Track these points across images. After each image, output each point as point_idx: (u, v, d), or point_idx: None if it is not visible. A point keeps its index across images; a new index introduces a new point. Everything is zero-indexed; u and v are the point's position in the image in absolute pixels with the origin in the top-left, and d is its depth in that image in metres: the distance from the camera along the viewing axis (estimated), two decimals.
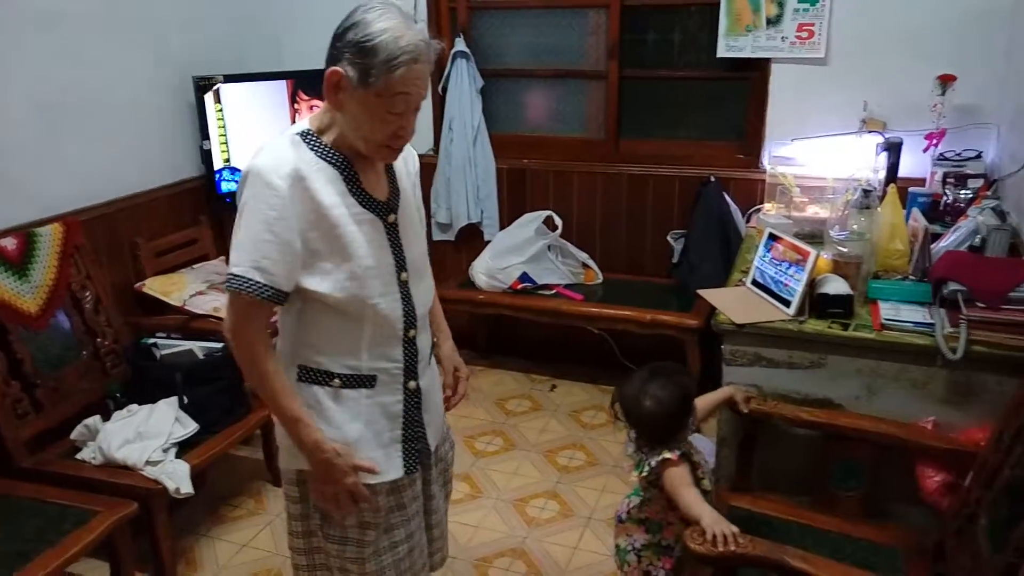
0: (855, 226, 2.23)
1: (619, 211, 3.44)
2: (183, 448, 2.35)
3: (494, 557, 2.43)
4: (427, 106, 3.56)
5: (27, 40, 2.57)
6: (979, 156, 2.73)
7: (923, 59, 2.81)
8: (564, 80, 3.56)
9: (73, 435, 2.39)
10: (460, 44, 3.43)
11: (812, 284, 2.10)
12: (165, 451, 2.30)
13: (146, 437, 2.31)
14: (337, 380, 1.49)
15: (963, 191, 2.55)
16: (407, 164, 1.59)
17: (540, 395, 3.43)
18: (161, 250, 3.06)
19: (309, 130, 1.42)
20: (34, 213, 2.58)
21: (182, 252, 3.16)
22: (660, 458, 1.70)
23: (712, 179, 3.18)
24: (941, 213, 2.55)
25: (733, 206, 3.16)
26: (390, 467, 1.56)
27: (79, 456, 2.34)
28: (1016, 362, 1.80)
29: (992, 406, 1.85)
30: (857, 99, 2.92)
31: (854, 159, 2.87)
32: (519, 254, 3.25)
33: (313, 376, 1.49)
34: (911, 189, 2.64)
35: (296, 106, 3.39)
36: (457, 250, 3.64)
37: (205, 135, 3.15)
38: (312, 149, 1.40)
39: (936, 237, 2.31)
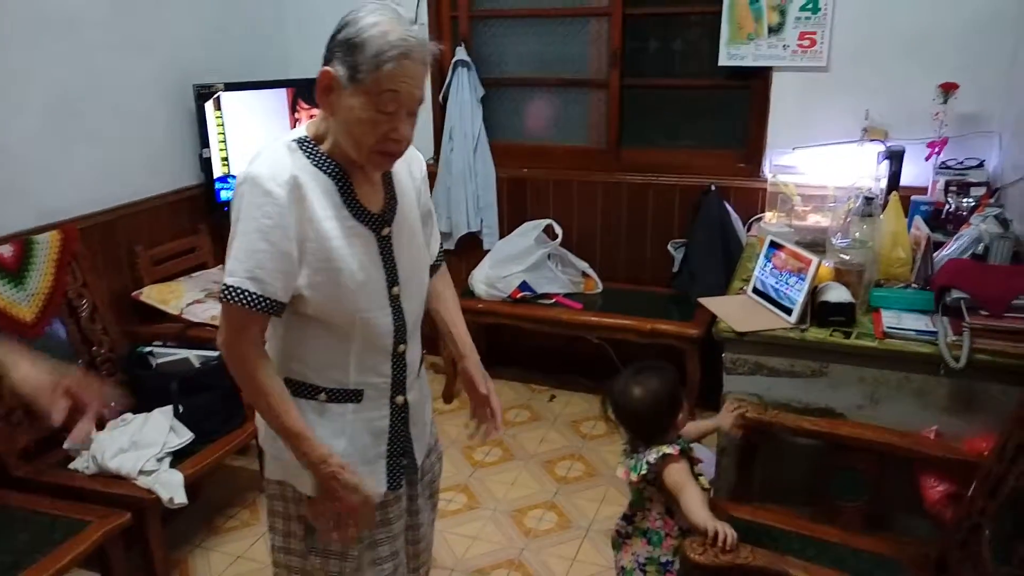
0: (857, 234, 2.21)
1: (619, 220, 3.43)
2: (178, 457, 2.32)
3: (491, 569, 2.39)
4: (427, 115, 3.57)
5: (33, 46, 2.57)
6: (981, 164, 2.71)
7: (925, 67, 2.80)
8: (565, 89, 3.56)
9: (66, 444, 2.36)
10: (461, 53, 3.42)
11: (814, 292, 2.08)
12: (159, 460, 2.28)
13: (140, 446, 2.29)
14: (323, 394, 1.44)
15: (965, 199, 2.53)
16: (411, 170, 1.54)
17: (539, 405, 3.41)
18: (159, 258, 3.05)
19: (306, 137, 1.38)
20: (32, 220, 2.57)
21: (180, 260, 3.15)
22: (660, 454, 1.68)
23: (713, 188, 3.17)
24: (943, 221, 2.53)
25: (734, 215, 3.14)
26: (373, 484, 1.50)
27: (72, 466, 2.31)
28: (1020, 370, 1.78)
29: (996, 415, 1.83)
30: (859, 107, 2.91)
31: (856, 168, 2.85)
32: (519, 263, 3.23)
33: (298, 389, 1.44)
34: (913, 197, 2.63)
35: (296, 115, 3.39)
36: (457, 259, 3.62)
37: (205, 143, 3.14)
38: (308, 157, 1.36)
39: (939, 245, 2.29)
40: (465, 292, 3.33)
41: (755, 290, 2.25)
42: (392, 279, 1.44)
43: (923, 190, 2.78)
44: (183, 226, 3.20)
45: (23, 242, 2.46)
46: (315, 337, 1.41)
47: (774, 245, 2.26)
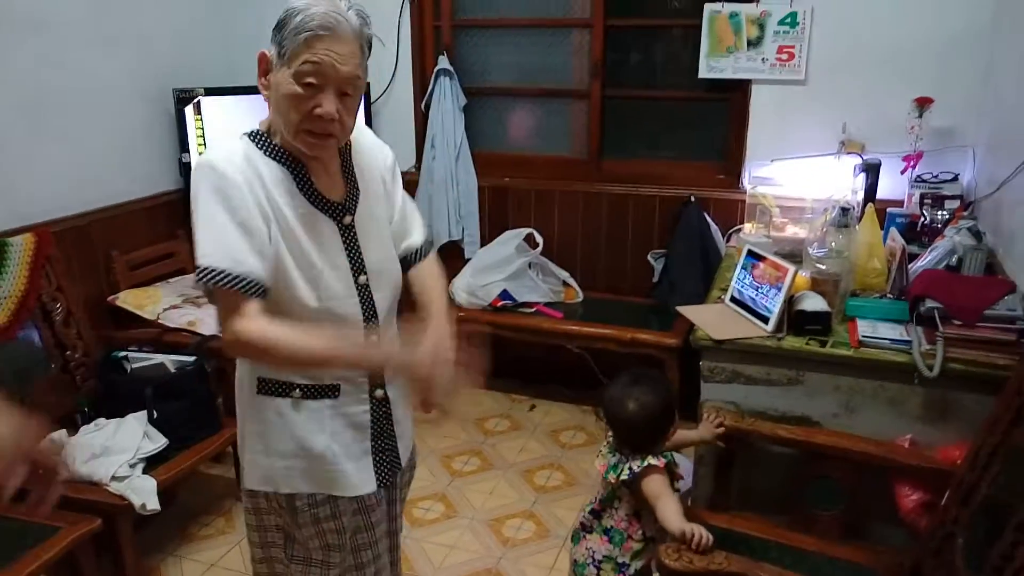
0: (833, 244, 2.23)
1: (600, 230, 3.44)
2: (151, 463, 2.29)
3: None
4: (409, 123, 3.57)
5: (10, 46, 2.55)
6: (956, 178, 2.75)
7: (901, 82, 2.84)
8: (547, 99, 3.57)
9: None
10: (443, 62, 3.43)
11: (790, 301, 2.10)
12: (132, 466, 2.24)
13: (113, 452, 2.25)
14: (298, 391, 1.42)
15: (940, 212, 2.56)
16: (377, 160, 1.52)
17: (519, 415, 3.40)
18: (136, 263, 3.02)
19: (257, 130, 1.38)
20: (5, 222, 2.54)
21: (158, 265, 3.12)
22: (645, 464, 1.68)
23: (693, 199, 3.19)
24: (919, 233, 2.56)
25: (713, 226, 3.16)
26: (362, 481, 1.49)
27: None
28: (992, 379, 1.79)
29: (969, 424, 1.84)
30: (836, 120, 2.94)
31: (833, 180, 2.88)
32: (499, 271, 3.23)
33: (272, 388, 1.42)
34: (889, 210, 2.66)
35: None
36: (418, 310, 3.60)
37: (184, 148, 3.12)
38: (259, 148, 1.35)
39: (914, 257, 2.32)
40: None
41: (733, 299, 2.26)
42: (358, 268, 1.42)
43: (899, 203, 2.82)
44: (161, 231, 3.17)
45: None
46: None
47: (752, 255, 2.28)
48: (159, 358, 2.56)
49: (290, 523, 1.50)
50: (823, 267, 2.18)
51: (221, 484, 2.82)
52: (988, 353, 1.85)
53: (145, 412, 2.38)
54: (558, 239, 3.48)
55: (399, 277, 1.54)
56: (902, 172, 2.81)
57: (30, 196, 2.64)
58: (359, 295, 1.42)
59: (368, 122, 3.36)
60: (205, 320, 2.80)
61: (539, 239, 3.36)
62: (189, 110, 3.08)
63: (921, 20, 2.83)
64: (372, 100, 3.49)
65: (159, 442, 2.34)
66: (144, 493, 2.17)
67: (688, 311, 2.25)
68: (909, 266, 2.23)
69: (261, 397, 1.43)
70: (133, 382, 2.49)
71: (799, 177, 2.97)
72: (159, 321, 2.81)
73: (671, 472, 1.76)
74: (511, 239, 3.33)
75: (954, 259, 2.21)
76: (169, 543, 2.53)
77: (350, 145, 1.47)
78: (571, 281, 3.39)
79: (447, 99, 3.45)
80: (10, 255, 2.46)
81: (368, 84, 2.99)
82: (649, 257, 3.33)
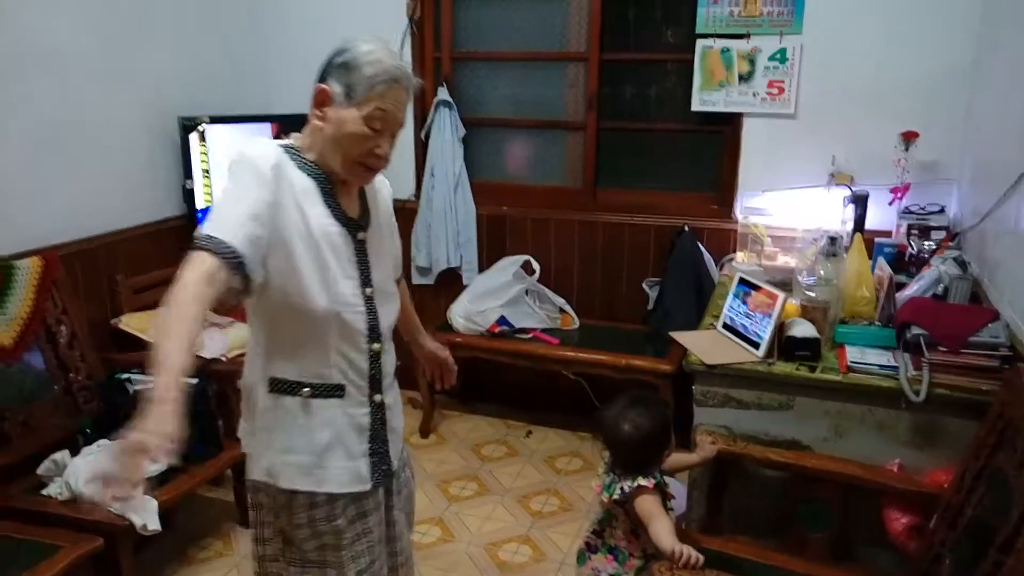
0: (822, 272, 2.29)
1: (596, 258, 3.50)
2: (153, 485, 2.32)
3: None
4: (409, 153, 3.65)
5: (18, 76, 2.61)
6: (942, 210, 2.83)
7: (888, 116, 2.93)
8: (544, 130, 3.66)
9: (40, 470, 2.35)
10: (443, 93, 3.52)
11: (780, 327, 2.15)
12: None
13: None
14: (307, 389, 1.50)
15: (927, 242, 2.64)
16: (381, 193, 1.66)
17: (516, 441, 3.43)
18: (140, 287, 3.06)
19: (292, 145, 1.49)
20: (12, 246, 2.58)
21: (161, 290, 3.11)
22: (636, 484, 1.72)
23: (686, 228, 3.26)
24: (906, 263, 2.63)
25: (707, 255, 3.23)
26: (357, 480, 1.57)
27: (45, 491, 2.30)
28: (976, 404, 1.84)
29: (955, 448, 1.89)
30: (826, 153, 3.02)
31: (823, 211, 2.96)
32: (497, 298, 3.28)
33: (283, 387, 1.51)
34: (877, 240, 2.73)
35: None
36: (436, 293, 3.67)
37: (188, 175, 3.19)
38: (292, 159, 1.47)
39: (902, 286, 2.38)
40: (443, 326, 3.37)
41: (725, 325, 2.32)
42: (366, 280, 1.53)
43: (888, 233, 2.89)
44: (164, 256, 3.21)
45: (3, 267, 2.47)
46: (296, 335, 1.47)
47: (744, 283, 2.34)
48: None
49: (288, 524, 1.56)
50: (812, 295, 2.24)
51: (219, 507, 2.84)
52: (972, 379, 1.91)
53: None
54: (555, 267, 3.54)
55: (398, 298, 1.66)
56: (890, 203, 2.89)
57: (38, 221, 2.69)
58: (366, 306, 1.52)
59: None
60: (207, 344, 2.84)
61: (536, 266, 3.42)
62: (194, 138, 3.15)
63: (907, 58, 2.92)
64: None
65: (161, 464, 2.36)
66: (145, 513, 2.19)
67: (681, 337, 2.30)
68: (896, 294, 2.29)
69: (273, 395, 1.52)
70: (136, 403, 2.50)
71: (790, 207, 3.05)
72: None
73: (662, 492, 1.79)
74: (508, 266, 3.39)
75: (940, 288, 2.27)
76: (168, 566, 2.55)
77: None
78: (567, 308, 3.44)
79: (446, 129, 3.53)
80: (17, 278, 2.51)
81: None
82: (644, 285, 3.39)
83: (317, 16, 3.68)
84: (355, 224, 1.53)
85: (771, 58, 3.09)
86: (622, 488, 1.76)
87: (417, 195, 3.65)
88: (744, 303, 2.28)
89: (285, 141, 1.50)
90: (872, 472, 1.93)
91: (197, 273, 1.29)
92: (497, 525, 2.79)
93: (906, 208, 2.85)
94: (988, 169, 2.51)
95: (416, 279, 3.67)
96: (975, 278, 2.34)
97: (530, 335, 3.27)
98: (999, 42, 2.55)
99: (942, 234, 2.68)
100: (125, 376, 2.63)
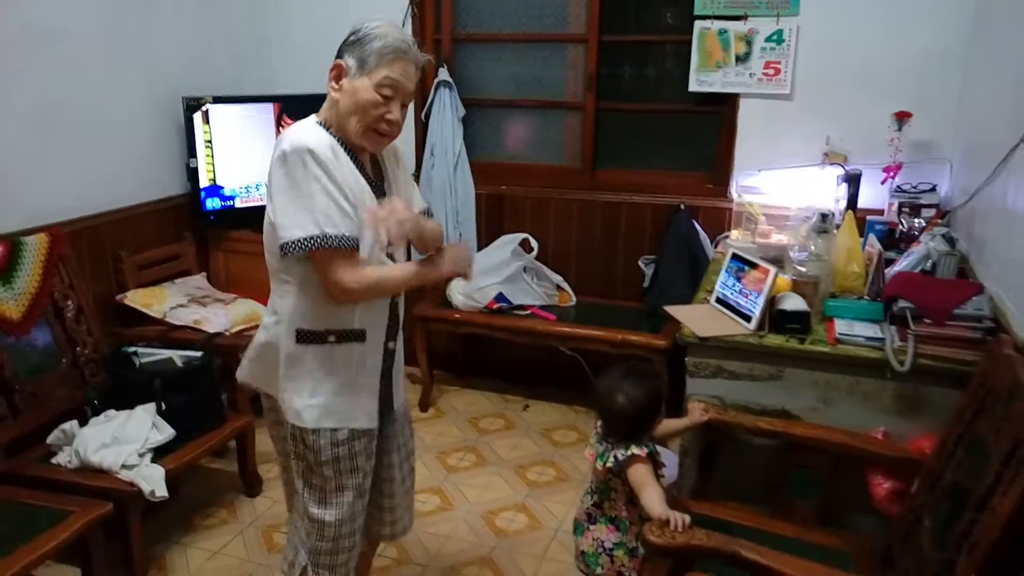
0: (813, 248, 2.34)
1: (593, 236, 3.56)
2: (159, 453, 2.38)
3: (463, 566, 2.47)
4: (410, 132, 3.69)
5: (31, 57, 2.66)
6: (934, 189, 2.88)
7: (882, 97, 2.97)
8: (543, 110, 3.70)
9: (50, 439, 2.41)
10: (444, 74, 3.55)
11: (772, 301, 2.21)
12: (141, 456, 2.34)
13: (123, 441, 2.35)
14: (332, 336, 1.67)
15: (917, 220, 2.69)
16: (394, 153, 1.82)
17: (513, 414, 3.50)
18: (144, 264, 3.12)
19: (322, 122, 1.65)
20: (21, 222, 2.64)
21: (165, 267, 3.22)
22: (629, 453, 1.78)
23: (683, 207, 3.31)
24: (897, 241, 2.68)
25: (702, 233, 3.28)
26: (372, 417, 1.76)
27: (55, 460, 2.37)
28: (959, 374, 1.90)
29: (938, 417, 1.95)
30: (820, 133, 3.07)
31: (817, 190, 3.00)
32: (495, 275, 3.34)
33: (310, 337, 1.67)
34: (869, 218, 2.78)
35: (281, 129, 3.49)
36: None
37: (192, 154, 3.23)
38: (330, 135, 1.63)
39: (891, 262, 2.43)
40: (443, 303, 3.43)
41: (718, 300, 2.37)
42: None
43: (880, 211, 2.94)
44: (168, 233, 3.28)
45: (11, 243, 2.52)
46: (325, 295, 1.63)
47: (736, 258, 2.39)
48: (167, 353, 2.66)
49: (312, 464, 1.72)
50: (803, 270, 2.29)
51: (224, 478, 2.91)
52: (956, 349, 1.96)
53: (154, 404, 2.47)
54: (552, 245, 3.59)
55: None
56: (882, 182, 2.93)
57: (45, 198, 2.74)
58: (388, 258, 1.73)
59: None
60: (211, 319, 2.90)
61: (534, 244, 3.48)
62: (197, 117, 3.20)
63: (901, 39, 2.96)
64: None
65: (167, 433, 2.43)
66: (153, 480, 2.26)
67: (675, 310, 2.36)
68: (886, 270, 2.35)
69: (300, 346, 1.67)
70: (142, 375, 2.58)
71: (785, 186, 3.09)
72: (166, 319, 2.91)
73: (654, 461, 1.85)
74: (507, 244, 3.44)
75: (928, 264, 2.32)
76: (174, 532, 2.62)
77: None
78: (565, 285, 3.50)
79: (447, 109, 3.57)
80: (26, 254, 2.56)
81: None
82: (640, 263, 3.44)
83: None
84: (377, 186, 1.71)
85: (768, 39, 3.12)
86: (615, 456, 1.82)
87: (417, 174, 3.69)
88: (737, 279, 2.34)
89: (317, 119, 1.66)
90: (858, 440, 1.98)
91: (360, 267, 1.60)
92: (494, 495, 2.87)
93: (898, 187, 2.90)
94: (979, 149, 2.55)
95: (416, 255, 3.71)
96: (963, 254, 2.39)
97: (528, 311, 3.33)
98: (992, 25, 2.59)
99: (932, 212, 2.73)
100: (131, 349, 2.69)
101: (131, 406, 2.48)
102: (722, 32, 3.17)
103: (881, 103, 2.94)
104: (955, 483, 1.69)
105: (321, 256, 1.57)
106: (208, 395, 2.61)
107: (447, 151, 3.58)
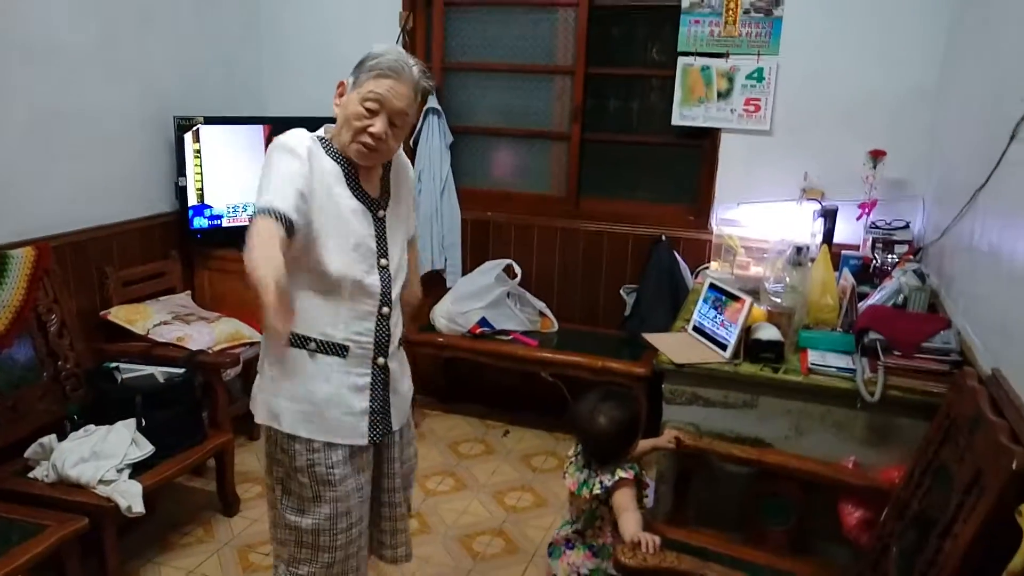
0: (788, 280, 2.40)
1: (576, 264, 3.61)
2: (137, 470, 2.38)
3: None
4: None
5: (17, 70, 2.69)
6: (907, 225, 2.96)
7: (858, 135, 3.06)
8: (529, 140, 3.77)
9: (27, 453, 2.41)
10: (432, 101, 3.61)
11: (747, 331, 2.26)
12: (119, 471, 2.34)
13: (101, 456, 2.35)
14: (313, 344, 1.69)
15: (890, 255, 2.76)
16: (404, 173, 1.87)
17: (493, 440, 3.51)
18: (129, 280, 3.13)
19: (321, 135, 1.72)
20: (7, 235, 2.65)
21: (149, 284, 3.23)
22: (616, 478, 1.80)
23: (664, 238, 3.37)
24: (870, 275, 2.75)
25: (683, 264, 3.34)
26: (355, 434, 1.75)
27: (32, 474, 2.36)
28: (927, 405, 1.95)
29: (907, 447, 1.99)
30: (799, 169, 3.15)
31: (794, 224, 3.07)
32: (479, 300, 3.37)
33: (293, 340, 1.69)
34: (844, 252, 2.86)
35: None
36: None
37: (182, 172, 3.27)
38: (323, 146, 1.69)
39: (864, 296, 2.50)
40: (426, 327, 3.45)
41: (695, 328, 2.42)
42: (383, 252, 1.75)
43: (856, 247, 3.01)
44: (154, 251, 3.30)
45: None
46: (311, 295, 1.67)
47: (714, 288, 2.44)
48: (149, 369, 2.67)
49: (288, 469, 1.73)
50: (778, 301, 2.35)
51: (201, 496, 2.90)
52: (924, 381, 2.02)
53: (134, 420, 2.48)
54: (536, 271, 3.64)
55: (406, 267, 1.84)
56: (858, 218, 3.01)
57: (32, 212, 2.76)
58: (380, 274, 1.73)
59: None
60: (194, 336, 2.91)
61: (518, 270, 3.52)
62: (188, 136, 3.23)
63: (876, 79, 3.07)
64: None
65: (146, 449, 2.43)
66: (130, 496, 2.26)
67: (652, 338, 2.41)
68: (859, 304, 2.41)
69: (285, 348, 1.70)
70: (123, 391, 2.58)
71: (763, 220, 3.16)
72: (149, 336, 2.92)
73: (638, 483, 1.88)
74: (491, 269, 3.48)
75: (900, 298, 2.38)
76: (149, 550, 2.60)
77: (391, 162, 1.81)
78: (547, 311, 3.54)
79: (435, 136, 3.63)
80: (10, 267, 2.57)
81: None
82: (622, 291, 3.50)
83: (311, 24, 3.78)
84: (375, 203, 1.74)
85: (748, 77, 3.22)
86: (601, 482, 1.83)
87: None
88: (715, 308, 2.39)
89: (316, 133, 1.72)
90: (829, 468, 2.03)
91: (269, 227, 1.49)
92: (472, 518, 2.88)
93: (873, 223, 2.98)
94: (949, 187, 2.63)
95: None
96: (933, 289, 2.46)
97: (510, 337, 3.37)
98: (959, 67, 2.69)
99: (905, 247, 2.81)
100: (113, 365, 2.70)
101: (111, 421, 2.48)
102: (704, 68, 3.26)
103: (857, 141, 3.03)
104: (921, 512, 1.73)
105: (254, 222, 1.50)
106: (189, 412, 2.62)
107: (434, 177, 3.63)
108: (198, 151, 3.28)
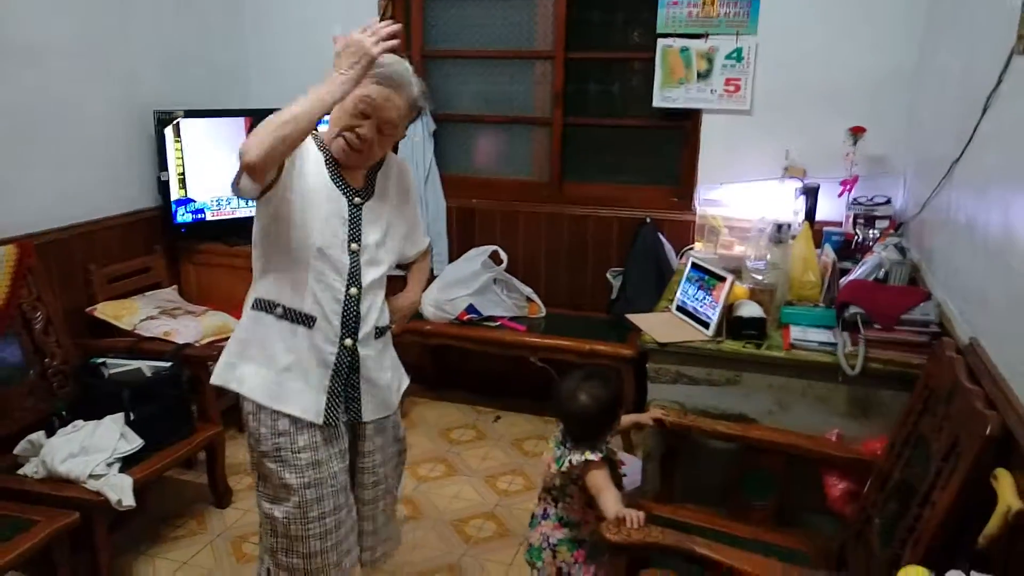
0: (769, 257, 2.42)
1: (562, 249, 3.62)
2: (127, 463, 2.39)
3: (431, 573, 2.49)
4: None
5: (4, 71, 2.68)
6: (889, 201, 2.97)
7: (838, 113, 3.07)
8: (511, 126, 3.77)
9: (16, 450, 2.41)
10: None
11: (730, 308, 2.28)
12: (109, 465, 2.34)
13: (90, 451, 2.35)
14: (280, 308, 1.73)
15: (871, 231, 2.78)
16: (400, 177, 1.90)
17: (484, 425, 3.53)
18: (114, 276, 3.12)
19: (316, 132, 1.74)
20: None
21: (135, 279, 3.22)
22: (584, 459, 1.82)
23: (648, 220, 3.38)
24: (852, 251, 2.76)
25: (668, 245, 3.35)
26: (310, 410, 1.76)
27: (21, 471, 2.36)
28: (907, 377, 1.97)
29: (888, 419, 2.02)
30: (780, 148, 3.16)
31: (777, 203, 3.09)
32: (466, 287, 3.38)
33: (264, 305, 1.75)
34: (826, 228, 2.87)
35: None
36: (406, 283, 3.74)
37: (163, 167, 3.25)
38: (312, 139, 1.74)
39: (846, 271, 2.52)
40: (414, 315, 3.45)
41: (678, 308, 2.44)
42: (355, 237, 1.76)
43: (838, 223, 3.03)
44: (139, 246, 3.29)
45: None
46: (282, 261, 1.72)
47: (696, 267, 2.46)
48: (136, 364, 2.66)
49: (257, 454, 1.77)
50: (760, 278, 2.37)
51: (192, 489, 2.91)
52: (904, 353, 2.05)
53: (122, 414, 2.48)
54: (522, 257, 3.65)
55: (387, 263, 1.86)
56: (839, 195, 3.03)
57: (13, 210, 2.74)
58: (349, 257, 1.75)
59: None
60: (180, 330, 2.91)
61: (504, 256, 3.53)
62: (169, 131, 3.22)
63: (855, 58, 3.07)
64: None
65: (135, 443, 2.44)
66: (121, 490, 2.26)
67: (636, 318, 2.42)
68: (841, 279, 2.43)
69: (254, 312, 1.77)
70: (111, 385, 2.59)
71: (746, 199, 3.17)
72: (135, 331, 2.92)
73: (611, 462, 1.90)
74: (477, 256, 3.49)
75: (881, 272, 2.40)
76: (141, 543, 2.61)
77: (382, 164, 1.85)
78: (534, 297, 3.55)
79: (416, 125, 3.59)
80: None
81: None
82: (608, 275, 3.51)
83: (292, 15, 3.77)
84: (353, 191, 1.77)
85: (728, 57, 3.22)
86: (571, 461, 1.85)
87: None
88: (697, 287, 2.41)
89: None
90: (812, 442, 2.05)
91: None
92: (464, 503, 2.90)
93: (855, 199, 2.99)
94: (928, 163, 2.65)
95: (396, 270, 3.75)
96: (914, 263, 2.48)
97: (498, 323, 3.38)
98: (936, 45, 2.71)
99: (886, 223, 2.83)
100: (100, 360, 2.70)
101: (99, 417, 2.48)
102: (684, 50, 3.27)
103: (837, 119, 3.04)
104: (902, 481, 1.76)
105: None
106: (177, 405, 2.62)
107: (417, 165, 3.62)
108: (179, 145, 3.26)
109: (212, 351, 2.90)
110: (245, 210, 3.42)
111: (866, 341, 2.07)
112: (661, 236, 3.36)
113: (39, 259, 2.73)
